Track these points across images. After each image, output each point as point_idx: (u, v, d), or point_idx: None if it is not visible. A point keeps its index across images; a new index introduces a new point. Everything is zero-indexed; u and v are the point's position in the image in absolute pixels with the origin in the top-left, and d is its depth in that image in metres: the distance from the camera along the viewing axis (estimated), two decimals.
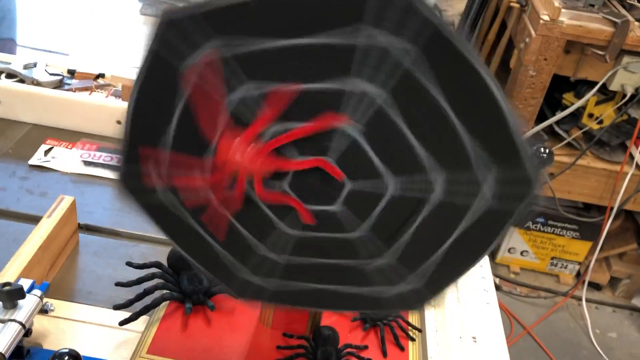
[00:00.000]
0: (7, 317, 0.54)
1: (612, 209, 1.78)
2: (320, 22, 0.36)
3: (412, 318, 0.71)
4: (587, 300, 1.97)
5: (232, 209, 0.45)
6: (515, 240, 2.04)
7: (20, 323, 0.54)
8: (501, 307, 0.70)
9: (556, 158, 1.76)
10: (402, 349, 0.67)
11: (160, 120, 0.42)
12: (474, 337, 0.73)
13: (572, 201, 1.94)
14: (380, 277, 0.47)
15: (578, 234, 1.98)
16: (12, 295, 0.54)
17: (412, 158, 0.40)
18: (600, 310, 2.02)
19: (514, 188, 0.41)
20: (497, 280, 2.00)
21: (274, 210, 0.45)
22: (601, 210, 1.88)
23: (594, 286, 2.08)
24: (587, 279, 1.96)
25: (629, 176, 1.72)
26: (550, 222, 1.98)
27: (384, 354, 0.66)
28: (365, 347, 0.66)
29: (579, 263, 2.06)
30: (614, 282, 2.08)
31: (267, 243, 0.47)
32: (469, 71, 0.37)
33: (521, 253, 2.07)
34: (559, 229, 1.99)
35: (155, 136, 0.43)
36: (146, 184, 0.45)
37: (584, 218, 1.93)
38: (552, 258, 2.07)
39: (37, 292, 0.58)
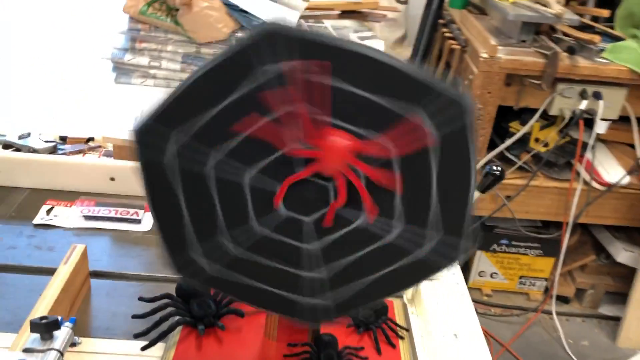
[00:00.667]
0: (45, 347, 0.61)
1: (567, 224, 1.92)
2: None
3: (399, 320, 0.80)
4: (558, 314, 2.08)
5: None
6: (484, 264, 2.15)
7: (58, 351, 0.61)
8: None
9: (511, 181, 1.90)
10: (393, 346, 0.76)
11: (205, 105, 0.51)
12: (455, 334, 0.83)
13: (531, 220, 2.07)
14: (307, 288, 0.56)
15: (541, 251, 2.11)
16: (49, 327, 0.61)
17: (389, 207, 0.51)
18: (570, 322, 2.13)
19: (448, 251, 0.52)
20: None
21: (256, 204, 0.54)
22: (558, 226, 2.01)
23: (562, 299, 2.19)
24: (555, 293, 2.07)
25: (578, 192, 1.87)
26: (513, 242, 2.10)
27: (379, 351, 0.75)
28: (362, 348, 0.74)
29: (546, 279, 2.18)
30: (579, 293, 2.20)
31: (233, 232, 0.55)
32: (465, 162, 0.49)
33: (491, 275, 2.18)
34: (523, 249, 2.11)
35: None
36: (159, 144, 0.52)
37: (544, 235, 2.06)
38: (520, 277, 2.18)
39: (68, 324, 0.65)
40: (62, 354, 0.62)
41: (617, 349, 2.02)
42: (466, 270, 2.19)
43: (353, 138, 0.49)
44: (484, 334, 0.82)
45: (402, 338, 0.77)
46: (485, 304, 2.15)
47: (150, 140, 0.52)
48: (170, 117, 0.51)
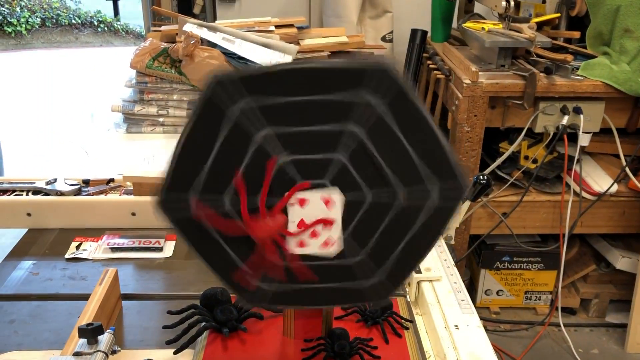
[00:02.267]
0: (92, 350, 0.70)
1: (564, 235, 2.00)
2: (328, 86, 0.58)
3: (404, 314, 0.88)
4: (565, 325, 2.13)
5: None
6: (489, 282, 2.22)
7: (104, 352, 0.70)
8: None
9: (505, 198, 2.00)
10: (399, 336, 0.84)
11: (200, 161, 0.61)
12: (456, 325, 0.90)
13: (529, 235, 2.15)
14: (358, 273, 0.65)
15: (542, 265, 2.18)
16: (95, 332, 0.70)
17: (382, 177, 0.61)
18: (579, 332, 2.18)
19: (452, 192, 0.61)
20: (481, 322, 2.15)
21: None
22: (556, 238, 2.09)
23: (569, 311, 2.25)
24: (559, 305, 2.13)
25: (570, 203, 1.96)
26: (515, 258, 2.18)
27: (386, 341, 0.83)
28: (371, 339, 0.82)
29: (551, 292, 2.24)
30: (585, 303, 2.26)
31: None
32: (418, 115, 0.59)
33: (497, 293, 2.24)
34: (525, 264, 2.18)
35: (193, 176, 0.61)
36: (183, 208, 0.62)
37: (543, 249, 2.14)
38: (526, 292, 2.25)
39: (110, 331, 0.73)
40: (107, 355, 0.70)
41: (627, 355, 2.07)
42: (472, 290, 2.25)
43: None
44: (494, 349, 0.88)
45: (407, 329, 0.85)
46: (493, 321, 2.21)
47: (173, 205, 0.61)
48: (180, 181, 0.60)
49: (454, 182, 0.61)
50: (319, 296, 0.67)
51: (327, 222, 0.62)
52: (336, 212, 0.62)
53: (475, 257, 2.24)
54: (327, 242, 0.63)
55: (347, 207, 0.62)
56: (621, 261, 2.11)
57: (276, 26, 1.81)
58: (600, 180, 1.99)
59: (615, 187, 1.95)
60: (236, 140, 0.59)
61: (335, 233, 0.62)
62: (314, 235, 0.62)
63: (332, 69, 0.58)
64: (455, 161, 0.61)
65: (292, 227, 0.62)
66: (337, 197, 0.61)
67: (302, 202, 0.61)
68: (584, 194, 1.96)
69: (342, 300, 0.68)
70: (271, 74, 0.57)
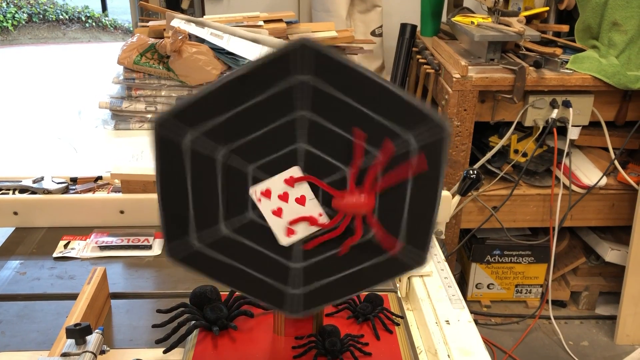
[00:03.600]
0: (81, 350, 0.69)
1: (554, 228, 2.01)
2: (262, 84, 0.58)
3: (394, 310, 0.88)
4: (556, 318, 2.15)
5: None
6: (479, 276, 2.23)
7: (92, 353, 0.69)
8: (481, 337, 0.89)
9: (495, 192, 2.00)
10: (390, 332, 0.84)
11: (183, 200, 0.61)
12: (447, 321, 0.90)
13: (520, 229, 2.16)
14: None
15: (532, 258, 2.19)
16: (83, 332, 0.69)
17: (350, 147, 0.61)
18: (569, 324, 2.19)
19: (430, 132, 0.60)
20: (472, 315, 2.16)
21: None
22: (546, 231, 2.10)
23: (559, 304, 2.26)
24: (550, 298, 2.15)
25: (560, 197, 1.97)
26: (505, 252, 2.19)
27: (377, 337, 0.82)
28: (362, 336, 0.82)
29: (541, 285, 2.25)
30: (575, 296, 2.27)
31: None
32: (357, 75, 0.58)
33: (488, 286, 2.25)
34: (515, 257, 2.19)
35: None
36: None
37: (533, 242, 2.15)
38: (516, 285, 2.26)
39: (98, 331, 0.73)
40: (95, 355, 0.69)
41: (616, 347, 2.09)
42: (463, 284, 2.26)
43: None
44: (486, 342, 0.88)
45: (398, 325, 0.85)
46: (484, 314, 2.22)
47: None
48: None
49: (426, 123, 0.60)
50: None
51: (302, 199, 0.63)
52: (303, 187, 0.62)
53: (466, 251, 2.25)
54: (314, 219, 0.63)
55: (335, 187, 0.62)
56: (610, 254, 2.12)
57: (265, 21, 1.80)
58: (589, 173, 2.00)
59: (604, 180, 1.96)
60: (203, 167, 0.60)
61: (314, 207, 0.63)
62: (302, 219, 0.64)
63: (255, 69, 0.58)
64: (418, 103, 0.60)
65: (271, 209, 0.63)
66: (296, 172, 0.62)
67: (267, 193, 0.62)
68: (574, 187, 1.97)
69: (380, 277, 0.67)
70: (203, 98, 0.58)
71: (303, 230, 0.64)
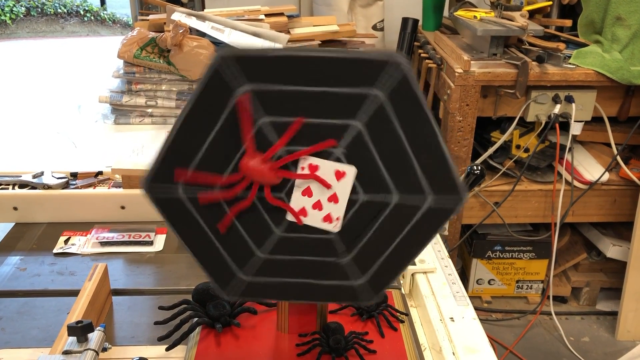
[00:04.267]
0: (82, 348, 0.68)
1: (556, 224, 2.00)
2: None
3: (399, 307, 0.87)
4: (556, 314, 2.14)
5: (238, 209, 0.62)
6: (480, 271, 2.22)
7: (94, 350, 0.68)
8: None
9: (497, 187, 1.99)
10: (395, 329, 0.83)
11: (200, 136, 0.59)
12: (451, 318, 0.90)
13: (521, 224, 2.16)
14: (340, 273, 0.63)
15: (534, 254, 2.19)
16: (85, 329, 0.68)
17: (379, 179, 0.59)
18: (570, 320, 2.19)
19: (448, 202, 0.59)
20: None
21: (270, 214, 0.62)
22: (548, 227, 2.10)
23: (560, 299, 2.26)
24: (551, 294, 2.14)
25: (562, 192, 1.96)
26: (507, 248, 2.18)
27: (382, 335, 0.82)
28: (366, 333, 0.81)
29: (542, 281, 2.25)
30: (576, 292, 2.27)
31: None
32: (423, 117, 0.57)
33: (489, 282, 2.25)
34: (516, 253, 2.19)
35: (190, 154, 0.60)
36: (168, 187, 0.61)
37: (535, 238, 2.14)
38: (517, 281, 2.25)
39: (100, 328, 0.72)
40: (97, 353, 0.69)
41: (617, 342, 2.08)
42: (464, 279, 2.25)
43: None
44: (487, 338, 0.87)
45: (402, 322, 0.84)
46: (485, 310, 2.21)
47: (158, 189, 0.61)
48: (172, 165, 0.60)
49: (451, 195, 0.59)
50: (296, 290, 0.65)
51: (333, 197, 0.61)
52: (344, 188, 0.60)
53: (467, 247, 2.24)
54: (329, 217, 0.61)
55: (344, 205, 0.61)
56: (612, 249, 2.12)
57: (266, 15, 1.79)
58: (591, 169, 1.99)
59: (606, 176, 1.95)
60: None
61: (338, 211, 0.61)
62: (317, 206, 0.61)
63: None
64: (455, 174, 0.59)
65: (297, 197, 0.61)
66: (350, 172, 0.60)
67: (313, 168, 0.60)
68: (576, 183, 1.96)
69: (317, 296, 0.67)
70: (280, 58, 0.56)
71: (315, 219, 0.62)
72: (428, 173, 0.59)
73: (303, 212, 0.62)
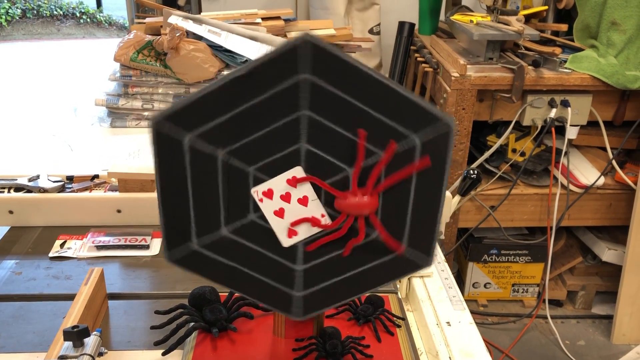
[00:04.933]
0: (78, 353, 0.68)
1: (551, 228, 2.01)
2: (263, 83, 0.56)
3: (395, 312, 0.87)
4: (552, 317, 2.15)
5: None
6: (476, 275, 2.23)
7: (90, 355, 0.68)
8: None
9: (493, 191, 2.00)
10: (391, 334, 0.83)
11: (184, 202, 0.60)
12: (447, 322, 0.90)
13: (517, 228, 2.16)
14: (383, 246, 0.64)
15: (529, 257, 2.19)
16: (81, 334, 0.68)
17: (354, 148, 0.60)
18: (565, 324, 2.20)
19: (437, 129, 0.59)
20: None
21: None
22: (544, 231, 2.10)
23: (555, 303, 2.26)
24: (547, 297, 2.14)
25: (557, 196, 1.96)
26: (502, 251, 2.18)
27: (378, 339, 0.81)
28: (363, 338, 0.81)
29: (537, 285, 2.25)
30: (571, 296, 2.27)
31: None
32: (356, 71, 0.56)
33: (485, 286, 2.25)
34: (512, 256, 2.19)
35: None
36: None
37: (530, 241, 2.15)
38: (513, 285, 2.26)
39: (96, 333, 0.71)
40: (93, 358, 0.68)
41: (612, 346, 2.09)
42: (460, 282, 2.26)
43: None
44: (483, 341, 0.87)
45: (399, 327, 0.84)
46: (481, 314, 2.21)
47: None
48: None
49: (430, 122, 0.58)
50: (352, 285, 0.65)
51: (304, 200, 0.62)
52: (306, 188, 0.62)
53: (463, 250, 2.25)
54: (316, 220, 0.63)
55: (337, 187, 0.62)
56: (607, 253, 2.13)
57: (263, 18, 1.79)
58: (587, 173, 1.99)
59: (602, 180, 1.96)
60: (203, 167, 0.59)
61: (317, 208, 0.62)
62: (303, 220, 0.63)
63: (256, 68, 0.56)
64: (421, 102, 0.58)
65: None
66: (298, 173, 0.61)
67: (269, 193, 0.62)
68: (572, 187, 1.97)
69: (376, 281, 0.66)
70: (201, 99, 0.56)
71: (305, 232, 0.63)
72: (398, 118, 0.59)
73: (292, 233, 0.63)
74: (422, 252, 0.63)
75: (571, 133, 1.88)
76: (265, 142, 0.59)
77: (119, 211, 1.10)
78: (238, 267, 0.64)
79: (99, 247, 1.03)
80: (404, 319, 0.86)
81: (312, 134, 0.59)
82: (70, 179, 1.16)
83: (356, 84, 0.57)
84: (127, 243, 1.04)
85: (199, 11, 2.53)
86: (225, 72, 1.56)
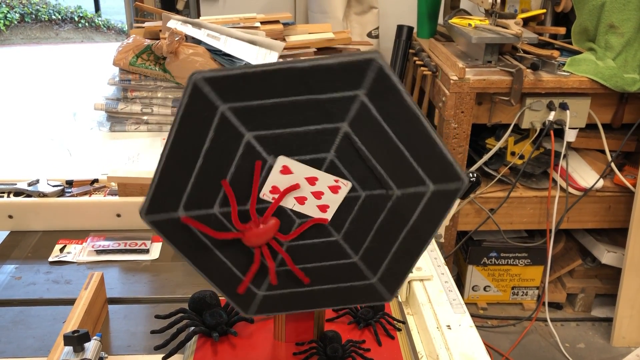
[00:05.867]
0: (79, 358, 0.68)
1: (551, 231, 2.01)
2: (323, 84, 0.56)
3: (395, 315, 0.87)
4: (552, 320, 2.15)
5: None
6: (476, 278, 2.23)
7: None
8: None
9: (492, 194, 2.00)
10: (392, 338, 0.83)
11: (190, 160, 0.59)
12: (448, 325, 0.90)
13: (516, 231, 2.16)
14: (352, 274, 0.64)
15: (529, 260, 2.19)
16: (81, 339, 0.68)
17: (376, 177, 0.60)
18: (565, 326, 2.19)
19: (448, 192, 0.60)
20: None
21: None
22: (543, 234, 2.10)
23: (555, 306, 2.26)
24: (546, 300, 2.14)
25: (556, 199, 1.97)
26: (502, 254, 2.18)
27: (379, 343, 0.81)
28: (363, 341, 0.81)
29: (537, 287, 2.25)
30: (571, 298, 2.27)
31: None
32: (409, 113, 0.57)
33: (484, 289, 2.25)
34: (512, 259, 2.19)
35: (182, 180, 0.59)
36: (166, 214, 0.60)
37: (530, 244, 2.15)
38: (513, 287, 2.26)
39: (96, 337, 0.71)
40: None
41: (612, 349, 2.09)
42: (460, 286, 2.26)
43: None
44: (484, 346, 0.87)
45: (399, 330, 0.84)
46: (481, 317, 2.21)
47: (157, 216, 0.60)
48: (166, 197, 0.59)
49: (451, 182, 0.60)
50: (311, 299, 0.66)
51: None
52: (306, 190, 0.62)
53: (463, 254, 2.25)
54: (323, 207, 0.62)
55: (340, 206, 0.61)
56: (607, 256, 2.13)
57: (262, 22, 1.79)
58: (586, 175, 2.00)
59: (601, 183, 1.96)
60: (225, 140, 0.57)
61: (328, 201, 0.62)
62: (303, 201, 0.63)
63: (318, 68, 0.55)
64: (452, 160, 0.59)
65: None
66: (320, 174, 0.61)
67: (286, 170, 0.61)
68: (570, 190, 1.97)
69: (334, 301, 0.67)
70: (256, 74, 0.56)
71: (309, 208, 0.63)
72: (423, 164, 0.59)
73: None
74: (387, 289, 0.65)
75: (570, 136, 1.88)
76: (296, 139, 0.58)
77: (118, 215, 1.09)
78: (214, 249, 0.63)
79: (99, 252, 1.03)
80: (404, 322, 0.86)
81: (342, 147, 0.59)
82: (69, 183, 1.16)
83: (402, 120, 0.57)
84: (127, 247, 1.04)
85: (198, 15, 2.54)
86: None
